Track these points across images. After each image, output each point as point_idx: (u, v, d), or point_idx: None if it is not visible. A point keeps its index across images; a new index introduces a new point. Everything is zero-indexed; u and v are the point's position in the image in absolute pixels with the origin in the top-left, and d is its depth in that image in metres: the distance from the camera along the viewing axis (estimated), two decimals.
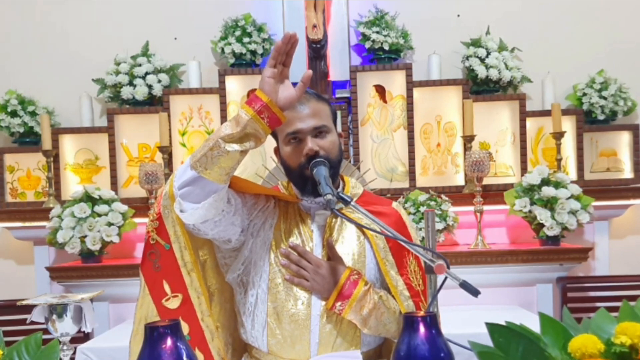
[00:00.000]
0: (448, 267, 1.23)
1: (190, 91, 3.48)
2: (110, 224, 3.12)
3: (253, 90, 3.37)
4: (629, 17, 3.64)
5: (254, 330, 1.57)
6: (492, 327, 0.94)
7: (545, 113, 3.46)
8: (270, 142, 1.63)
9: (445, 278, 1.23)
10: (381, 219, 1.41)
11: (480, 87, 3.55)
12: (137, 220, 3.25)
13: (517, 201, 3.15)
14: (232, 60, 3.50)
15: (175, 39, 3.64)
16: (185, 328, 1.48)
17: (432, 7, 3.64)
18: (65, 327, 1.58)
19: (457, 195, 3.34)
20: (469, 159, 3.16)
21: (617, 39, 3.62)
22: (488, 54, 3.48)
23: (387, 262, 1.57)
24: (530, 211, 3.13)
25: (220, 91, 3.44)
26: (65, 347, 1.58)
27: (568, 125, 3.49)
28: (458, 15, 3.65)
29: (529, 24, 3.64)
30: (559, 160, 3.36)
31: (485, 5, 3.63)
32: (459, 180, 3.48)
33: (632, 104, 3.56)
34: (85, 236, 3.10)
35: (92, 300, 1.68)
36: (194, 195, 1.39)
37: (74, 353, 2.02)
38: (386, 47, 3.44)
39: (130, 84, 3.48)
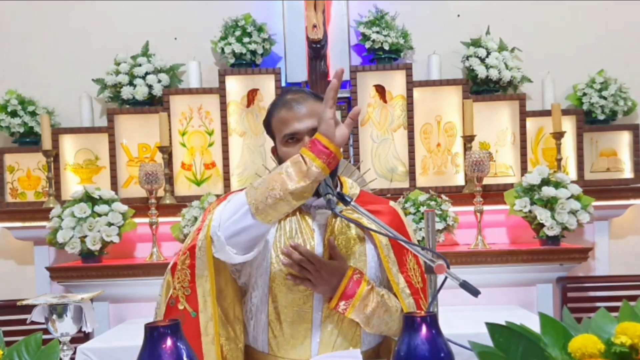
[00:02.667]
0: (448, 267, 1.23)
1: (190, 91, 3.48)
2: (110, 224, 3.12)
3: (254, 91, 3.46)
4: (629, 17, 3.63)
5: (255, 332, 1.57)
6: (492, 327, 0.94)
7: (545, 113, 3.46)
8: (270, 142, 1.63)
9: (445, 278, 1.23)
10: (379, 217, 1.42)
11: (480, 87, 3.54)
12: (137, 220, 3.26)
13: (517, 201, 3.15)
14: (232, 60, 3.49)
15: (175, 39, 3.64)
16: None
17: (432, 7, 3.64)
18: (65, 327, 1.57)
19: (457, 195, 3.34)
20: (469, 159, 3.15)
21: (617, 39, 3.62)
22: (488, 54, 3.48)
23: (389, 260, 1.57)
24: (530, 211, 3.13)
25: (220, 91, 3.43)
26: (65, 347, 1.58)
27: (568, 125, 3.49)
28: (458, 15, 3.65)
29: (529, 24, 3.63)
30: (559, 160, 3.36)
31: (485, 6, 3.63)
32: (459, 180, 3.48)
33: (632, 104, 3.56)
34: (85, 236, 3.10)
35: (92, 300, 1.68)
36: (240, 240, 1.41)
37: (74, 353, 2.02)
38: (386, 47, 3.44)
39: (130, 84, 3.47)
